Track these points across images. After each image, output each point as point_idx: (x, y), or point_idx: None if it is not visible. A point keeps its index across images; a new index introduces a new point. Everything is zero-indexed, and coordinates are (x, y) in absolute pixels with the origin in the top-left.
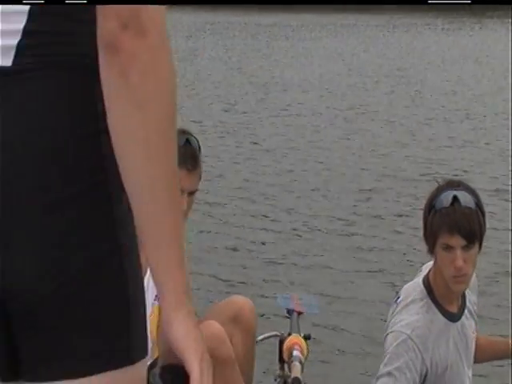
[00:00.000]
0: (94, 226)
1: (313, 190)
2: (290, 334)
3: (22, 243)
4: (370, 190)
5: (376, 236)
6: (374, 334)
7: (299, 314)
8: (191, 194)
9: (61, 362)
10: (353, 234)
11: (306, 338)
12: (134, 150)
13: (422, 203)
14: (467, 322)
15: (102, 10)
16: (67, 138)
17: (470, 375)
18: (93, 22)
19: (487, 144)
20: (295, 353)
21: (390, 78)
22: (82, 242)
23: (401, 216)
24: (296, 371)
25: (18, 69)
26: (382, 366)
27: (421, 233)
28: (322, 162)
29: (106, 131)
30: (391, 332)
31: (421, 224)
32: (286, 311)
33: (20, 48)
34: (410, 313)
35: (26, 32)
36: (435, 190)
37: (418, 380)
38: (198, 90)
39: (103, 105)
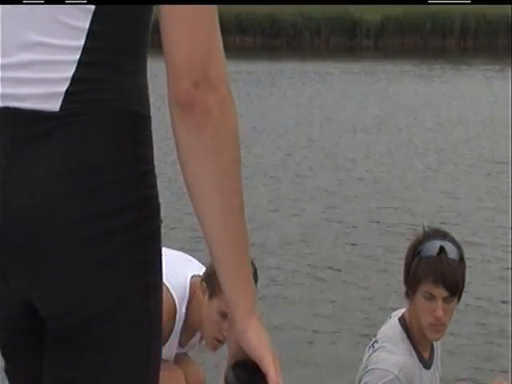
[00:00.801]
0: (126, 262)
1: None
2: None
3: (59, 273)
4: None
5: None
6: None
7: None
8: None
9: None
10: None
11: None
12: (209, 193)
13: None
14: (434, 373)
15: (172, 70)
16: (106, 179)
17: None
18: (136, 72)
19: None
20: None
21: (369, 125)
22: (114, 277)
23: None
24: None
25: (65, 114)
26: None
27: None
28: (303, 211)
29: (145, 174)
30: (376, 369)
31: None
32: None
33: (68, 94)
34: (396, 353)
35: (74, 79)
36: (421, 237)
37: None
38: None
39: (143, 149)
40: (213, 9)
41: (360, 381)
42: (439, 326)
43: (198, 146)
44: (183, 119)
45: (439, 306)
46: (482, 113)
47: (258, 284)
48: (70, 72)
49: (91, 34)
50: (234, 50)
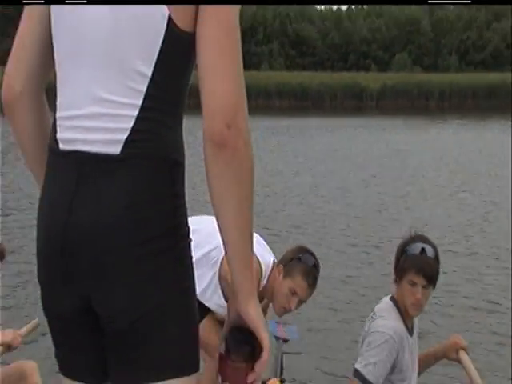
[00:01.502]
0: (168, 272)
1: None
2: (269, 378)
3: (118, 283)
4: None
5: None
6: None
7: (284, 341)
8: (301, 302)
9: (148, 371)
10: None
11: (282, 381)
12: (230, 209)
13: None
14: (415, 341)
15: (209, 115)
16: (153, 210)
17: (415, 378)
18: (175, 128)
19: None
20: None
21: (371, 164)
22: (159, 283)
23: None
24: None
25: (124, 157)
26: (367, 355)
27: None
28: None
29: (180, 206)
30: (377, 332)
31: None
32: (274, 337)
33: (128, 141)
34: (390, 320)
35: (133, 130)
36: (408, 239)
37: (389, 369)
38: None
39: (179, 188)
40: (241, 66)
41: (363, 341)
42: (418, 306)
43: (226, 176)
44: (216, 153)
45: (419, 291)
46: (450, 156)
47: None
48: (130, 124)
49: (147, 96)
50: (274, 110)
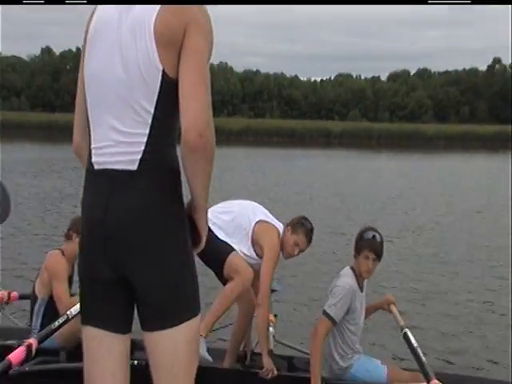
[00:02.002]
0: (178, 251)
1: None
2: None
3: (143, 260)
4: None
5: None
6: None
7: (273, 291)
8: (300, 251)
9: (173, 318)
10: None
11: (275, 315)
12: (198, 184)
13: None
14: (364, 296)
15: (187, 127)
16: (163, 209)
17: (362, 320)
18: (171, 147)
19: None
20: (271, 329)
21: (338, 184)
22: (173, 259)
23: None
24: (270, 344)
25: (140, 171)
26: (331, 300)
27: None
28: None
29: (181, 203)
30: (340, 285)
31: None
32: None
33: (142, 160)
34: (348, 279)
35: (145, 152)
36: (364, 229)
37: (346, 310)
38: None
39: (181, 190)
40: (209, 95)
41: (330, 291)
42: (369, 272)
43: (195, 168)
44: (190, 155)
45: (370, 263)
46: (385, 175)
47: None
48: (142, 147)
49: (152, 127)
50: (273, 144)
